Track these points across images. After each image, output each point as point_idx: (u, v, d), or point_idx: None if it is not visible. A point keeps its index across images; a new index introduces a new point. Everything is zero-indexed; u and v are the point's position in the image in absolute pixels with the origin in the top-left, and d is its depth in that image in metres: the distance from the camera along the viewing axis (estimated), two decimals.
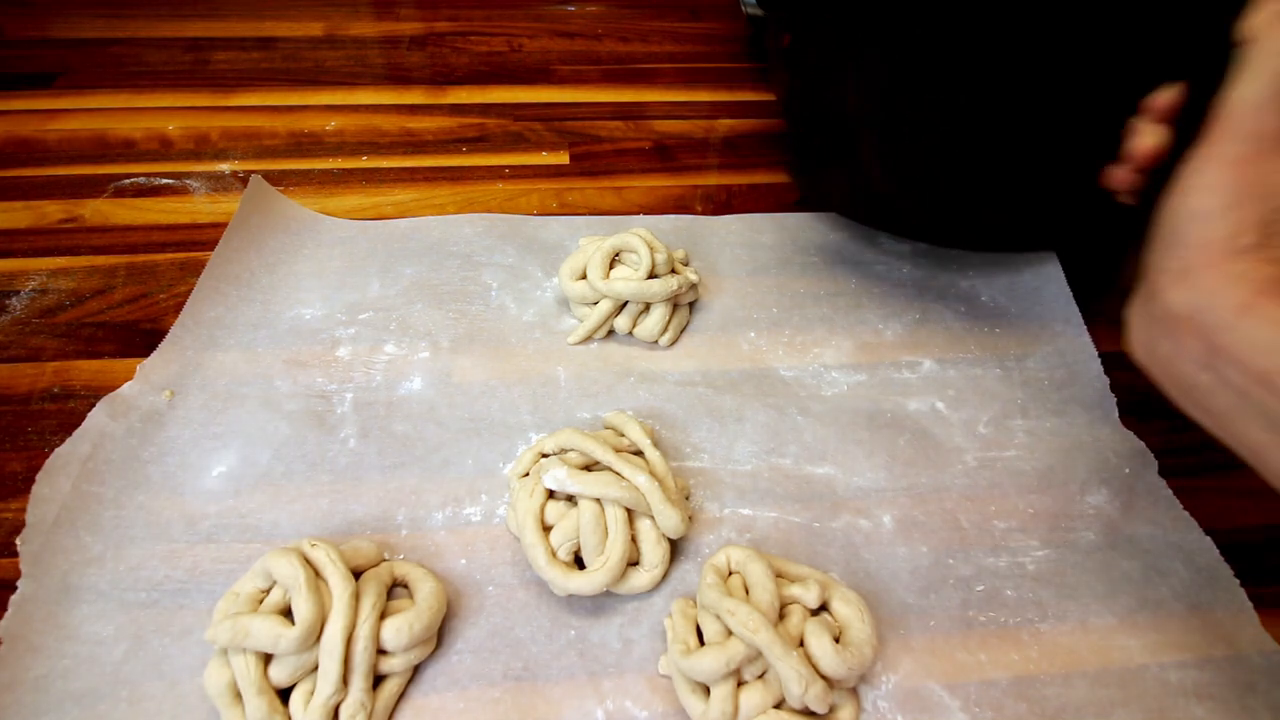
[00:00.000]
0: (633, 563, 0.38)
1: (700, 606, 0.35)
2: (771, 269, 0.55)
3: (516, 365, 0.48)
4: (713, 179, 0.63)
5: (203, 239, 0.53)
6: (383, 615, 0.34)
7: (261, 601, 0.34)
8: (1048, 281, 0.53)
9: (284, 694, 0.33)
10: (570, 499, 0.38)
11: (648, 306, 0.49)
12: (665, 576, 0.38)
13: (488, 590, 0.38)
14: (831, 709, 0.33)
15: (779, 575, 0.36)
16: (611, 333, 0.50)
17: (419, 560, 0.38)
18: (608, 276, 0.48)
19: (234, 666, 0.32)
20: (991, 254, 0.55)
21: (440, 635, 0.36)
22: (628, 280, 0.47)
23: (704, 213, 0.59)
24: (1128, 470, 0.44)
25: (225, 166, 0.61)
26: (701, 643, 0.34)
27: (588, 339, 0.49)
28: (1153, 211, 0.29)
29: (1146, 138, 0.33)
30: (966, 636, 0.37)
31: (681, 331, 0.50)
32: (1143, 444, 0.45)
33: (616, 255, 0.49)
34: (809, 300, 0.53)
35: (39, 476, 0.39)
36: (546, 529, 0.37)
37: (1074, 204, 0.42)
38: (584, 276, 0.49)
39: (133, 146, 0.62)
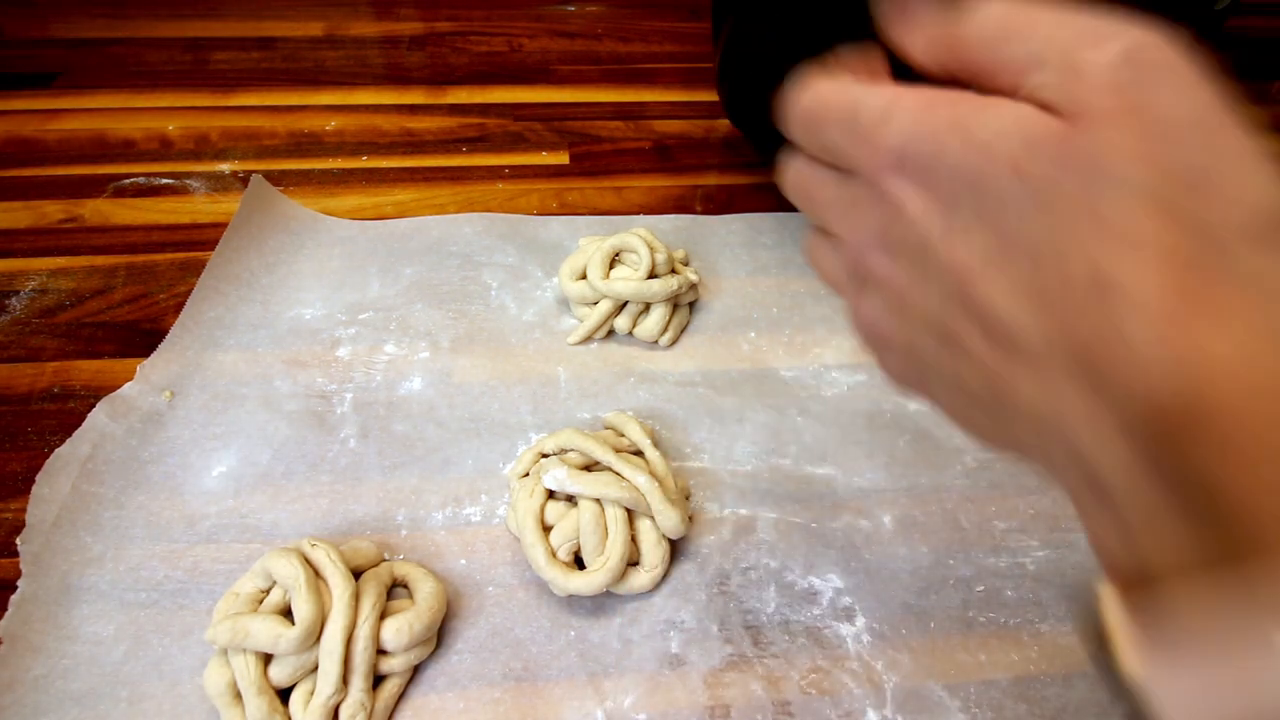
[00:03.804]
0: (633, 563, 0.38)
1: None
2: (771, 269, 0.55)
3: (516, 365, 0.48)
4: (713, 179, 0.63)
5: (203, 239, 0.53)
6: (383, 615, 0.34)
7: (261, 601, 0.34)
8: None
9: (284, 694, 0.33)
10: (570, 499, 0.38)
11: (648, 306, 0.49)
12: (665, 576, 0.38)
13: (488, 590, 0.38)
14: None
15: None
16: (611, 333, 0.50)
17: (419, 560, 0.38)
18: (608, 276, 0.48)
19: (234, 666, 0.32)
20: None
21: (440, 635, 0.36)
22: (628, 280, 0.47)
23: (704, 213, 0.59)
24: None
25: (225, 166, 0.61)
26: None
27: (588, 339, 0.49)
28: None
29: None
30: (966, 637, 0.37)
31: (681, 331, 0.50)
32: None
33: (616, 255, 0.49)
34: (809, 300, 0.53)
35: (39, 476, 0.39)
36: (546, 529, 0.37)
37: None
38: (584, 276, 0.49)
39: (133, 146, 0.62)
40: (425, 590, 0.35)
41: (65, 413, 0.44)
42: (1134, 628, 0.16)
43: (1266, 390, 0.15)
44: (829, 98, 0.22)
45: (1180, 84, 0.17)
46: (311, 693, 0.32)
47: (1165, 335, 0.16)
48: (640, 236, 0.48)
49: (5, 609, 0.35)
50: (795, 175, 0.25)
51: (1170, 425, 0.16)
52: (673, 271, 0.49)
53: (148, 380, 0.45)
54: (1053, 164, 0.17)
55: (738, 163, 0.65)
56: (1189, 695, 0.15)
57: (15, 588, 0.36)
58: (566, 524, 0.37)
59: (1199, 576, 0.16)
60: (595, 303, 0.49)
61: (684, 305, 0.51)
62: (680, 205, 0.60)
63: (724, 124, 0.68)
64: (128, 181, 0.59)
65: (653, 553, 0.38)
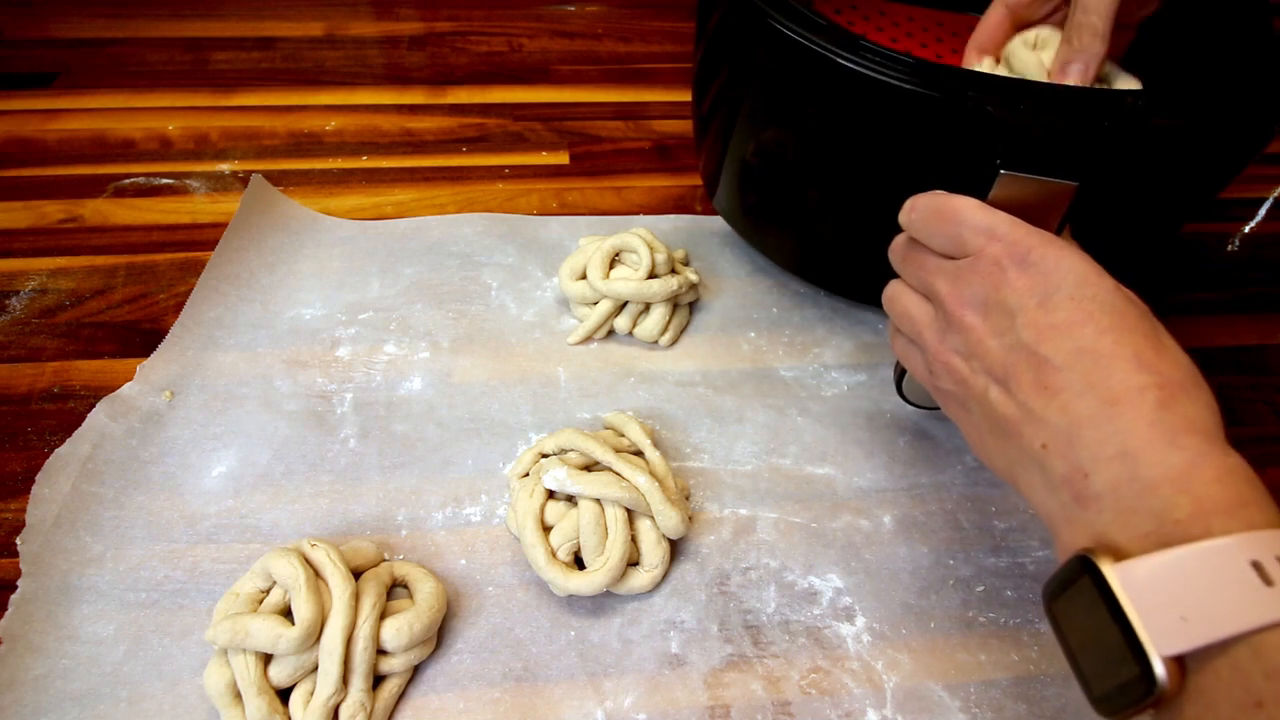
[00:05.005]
0: (633, 563, 0.38)
1: None
2: (771, 269, 0.55)
3: (516, 365, 0.48)
4: None
5: (203, 239, 0.53)
6: (383, 615, 0.34)
7: (261, 601, 0.34)
8: None
9: (284, 694, 0.33)
10: (570, 499, 0.38)
11: (648, 306, 0.49)
12: (665, 576, 0.38)
13: (488, 590, 0.38)
14: None
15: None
16: (611, 333, 0.50)
17: (419, 560, 0.38)
18: (608, 276, 0.48)
19: (234, 666, 0.32)
20: None
21: (440, 635, 0.36)
22: (628, 280, 0.47)
23: (704, 213, 0.59)
24: None
25: (225, 166, 0.61)
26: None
27: (588, 339, 0.49)
28: None
29: None
30: (966, 637, 0.37)
31: (681, 331, 0.50)
32: None
33: (616, 255, 0.49)
34: (809, 300, 0.53)
35: (39, 476, 0.39)
36: (546, 529, 0.37)
37: None
38: (584, 276, 0.49)
39: (133, 146, 0.62)
40: (425, 590, 0.35)
41: (65, 413, 0.44)
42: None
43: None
44: (965, 206, 0.31)
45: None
46: (311, 693, 0.32)
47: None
48: (640, 236, 0.48)
49: (5, 609, 0.35)
50: (905, 248, 0.34)
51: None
52: (673, 271, 0.49)
53: (148, 380, 0.45)
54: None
55: None
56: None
57: (15, 588, 0.36)
58: (566, 524, 0.37)
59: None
60: (595, 303, 0.49)
61: (684, 305, 0.51)
62: (680, 205, 0.60)
63: None
64: (128, 181, 0.59)
65: (653, 553, 0.38)
